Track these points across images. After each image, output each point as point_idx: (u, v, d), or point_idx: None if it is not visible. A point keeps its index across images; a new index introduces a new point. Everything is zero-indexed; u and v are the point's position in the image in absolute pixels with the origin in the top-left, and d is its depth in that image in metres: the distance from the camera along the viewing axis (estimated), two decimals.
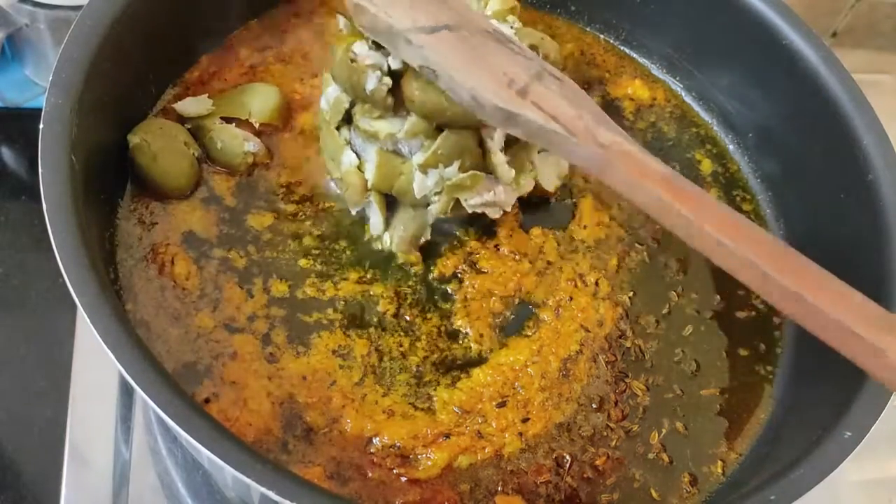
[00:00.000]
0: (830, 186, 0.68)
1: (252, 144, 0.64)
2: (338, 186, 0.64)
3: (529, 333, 0.62)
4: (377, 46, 0.58)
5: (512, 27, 0.68)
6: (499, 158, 0.60)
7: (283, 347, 0.58)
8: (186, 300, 0.58)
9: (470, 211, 0.62)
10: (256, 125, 0.65)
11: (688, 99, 0.79)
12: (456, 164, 0.59)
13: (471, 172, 0.59)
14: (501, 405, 0.58)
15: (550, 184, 0.68)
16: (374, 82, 0.57)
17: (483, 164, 0.60)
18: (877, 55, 1.13)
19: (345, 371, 0.58)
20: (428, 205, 0.62)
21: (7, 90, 0.85)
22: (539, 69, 0.54)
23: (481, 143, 0.60)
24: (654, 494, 0.58)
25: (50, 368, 0.69)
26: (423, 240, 0.64)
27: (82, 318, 0.46)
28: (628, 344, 0.63)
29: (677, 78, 0.79)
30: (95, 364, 0.67)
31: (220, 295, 0.59)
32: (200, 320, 0.58)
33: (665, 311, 0.66)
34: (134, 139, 0.60)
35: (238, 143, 0.64)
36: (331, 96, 0.62)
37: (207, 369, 0.56)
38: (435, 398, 0.58)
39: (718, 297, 0.67)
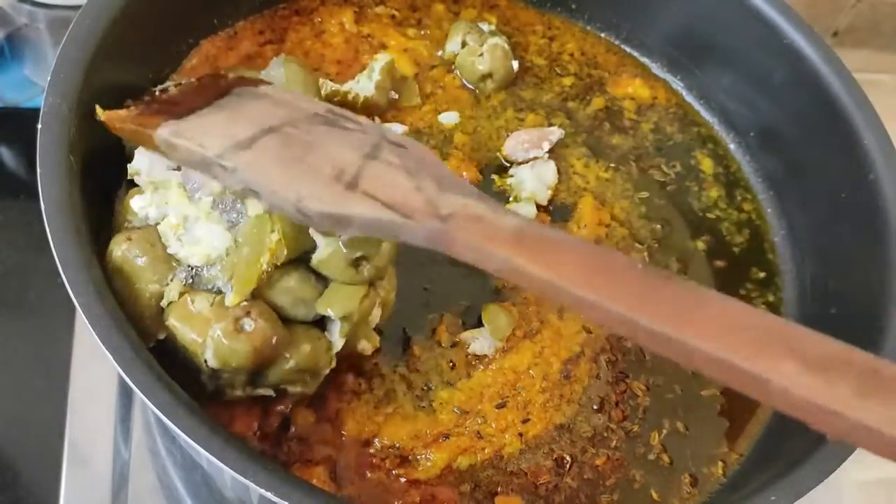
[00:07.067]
0: (831, 186, 0.67)
1: None
2: None
3: (531, 335, 0.62)
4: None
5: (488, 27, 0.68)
6: None
7: None
8: None
9: None
10: None
11: (689, 98, 0.79)
12: None
13: None
14: (501, 406, 0.58)
15: (544, 198, 0.68)
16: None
17: None
18: (878, 55, 1.13)
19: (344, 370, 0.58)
20: None
21: (6, 90, 0.84)
22: (377, 140, 0.50)
23: None
24: (655, 495, 0.58)
25: (49, 369, 0.69)
26: None
27: (81, 318, 0.46)
28: (629, 344, 0.63)
29: (678, 77, 0.79)
30: (94, 365, 0.67)
31: None
32: None
33: None
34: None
35: None
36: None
37: None
38: (435, 398, 0.58)
39: None
